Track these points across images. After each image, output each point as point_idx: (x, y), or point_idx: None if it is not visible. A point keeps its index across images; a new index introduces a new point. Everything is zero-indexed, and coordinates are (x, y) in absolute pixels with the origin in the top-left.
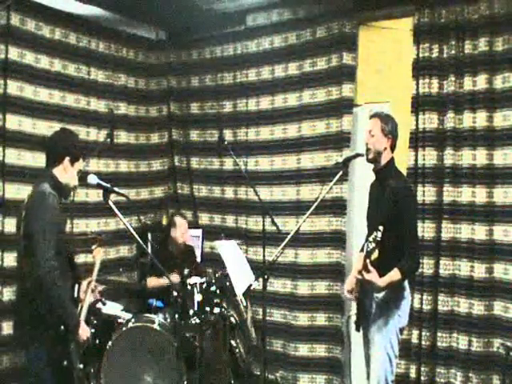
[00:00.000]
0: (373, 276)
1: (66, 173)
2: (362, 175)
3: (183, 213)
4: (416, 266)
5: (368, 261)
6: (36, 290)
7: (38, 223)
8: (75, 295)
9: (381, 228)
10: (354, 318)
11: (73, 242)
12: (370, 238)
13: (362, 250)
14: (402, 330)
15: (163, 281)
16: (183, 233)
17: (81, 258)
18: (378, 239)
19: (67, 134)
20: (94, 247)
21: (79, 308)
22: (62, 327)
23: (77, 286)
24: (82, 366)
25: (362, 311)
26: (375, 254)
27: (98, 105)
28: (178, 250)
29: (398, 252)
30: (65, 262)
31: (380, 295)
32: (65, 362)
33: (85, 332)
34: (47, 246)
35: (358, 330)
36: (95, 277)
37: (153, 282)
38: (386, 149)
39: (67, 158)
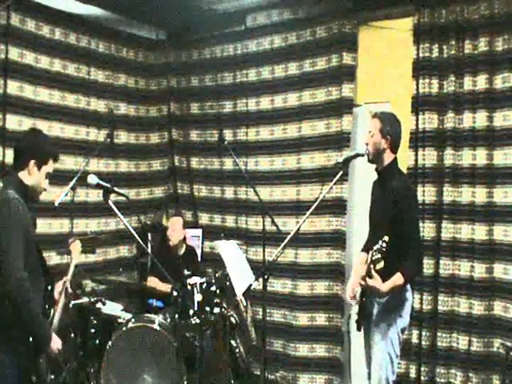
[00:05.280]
0: (376, 282)
1: (30, 176)
2: (362, 175)
3: (182, 212)
4: (419, 269)
5: (372, 267)
6: (4, 300)
7: (4, 232)
8: (48, 298)
9: (386, 238)
10: (354, 317)
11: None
12: (375, 248)
13: (362, 250)
14: (403, 330)
15: (164, 287)
16: (172, 230)
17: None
18: (384, 249)
19: (34, 135)
20: (70, 241)
21: (52, 312)
22: (31, 339)
23: (50, 287)
24: (53, 376)
25: (364, 311)
26: (381, 264)
27: (98, 105)
28: (175, 249)
29: (400, 254)
30: (36, 265)
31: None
32: (33, 378)
33: (56, 344)
34: (16, 256)
35: (359, 329)
36: (70, 277)
37: (153, 283)
38: (385, 149)
39: (32, 162)
